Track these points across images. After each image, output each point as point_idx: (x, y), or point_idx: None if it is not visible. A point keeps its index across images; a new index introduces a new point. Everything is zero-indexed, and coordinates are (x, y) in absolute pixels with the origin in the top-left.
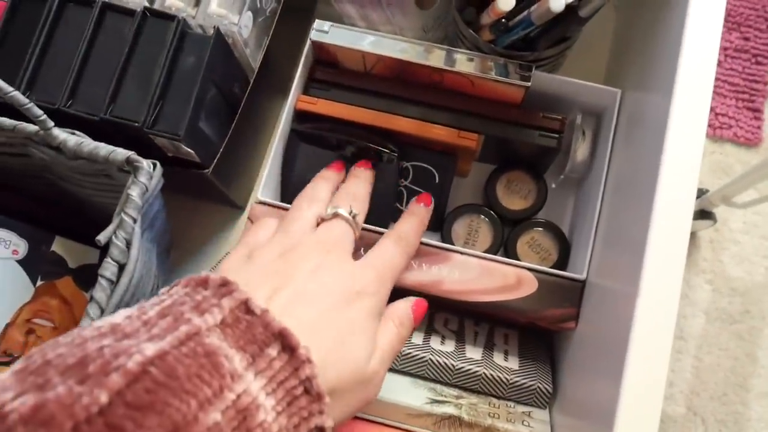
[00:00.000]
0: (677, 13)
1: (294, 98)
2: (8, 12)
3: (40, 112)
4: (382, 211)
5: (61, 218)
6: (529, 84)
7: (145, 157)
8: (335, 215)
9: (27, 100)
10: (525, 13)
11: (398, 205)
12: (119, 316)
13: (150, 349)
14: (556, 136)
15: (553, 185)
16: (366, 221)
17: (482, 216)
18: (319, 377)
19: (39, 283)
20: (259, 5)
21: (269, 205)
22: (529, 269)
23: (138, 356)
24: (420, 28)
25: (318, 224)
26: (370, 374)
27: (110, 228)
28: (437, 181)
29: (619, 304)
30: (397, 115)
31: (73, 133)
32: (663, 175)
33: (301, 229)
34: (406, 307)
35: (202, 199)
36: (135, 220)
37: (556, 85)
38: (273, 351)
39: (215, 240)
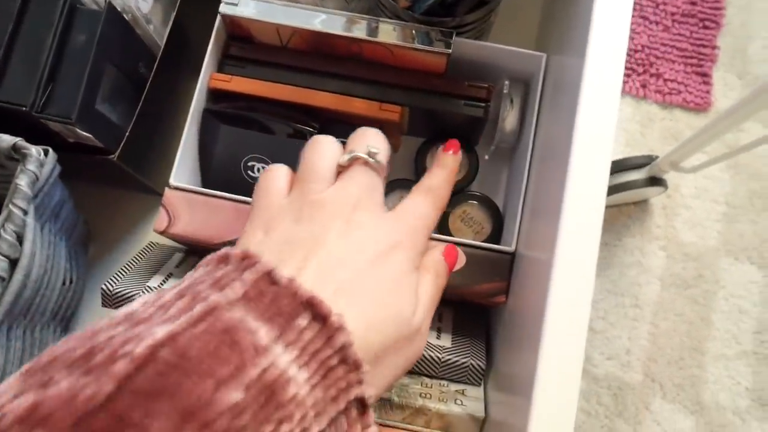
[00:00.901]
0: None
1: (206, 76)
2: None
3: None
4: None
5: None
6: (450, 51)
7: (43, 144)
8: (354, 159)
9: None
10: None
11: None
12: (136, 303)
13: (161, 331)
14: (483, 105)
15: (486, 157)
16: None
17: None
18: (357, 345)
19: None
20: None
21: (184, 190)
22: (457, 243)
23: (148, 340)
24: None
25: (337, 175)
26: (415, 329)
27: None
28: None
29: (538, 274)
30: (317, 90)
31: None
32: (577, 138)
33: (318, 184)
34: (439, 256)
35: (119, 188)
36: (25, 212)
37: (480, 52)
38: (303, 321)
39: (137, 229)
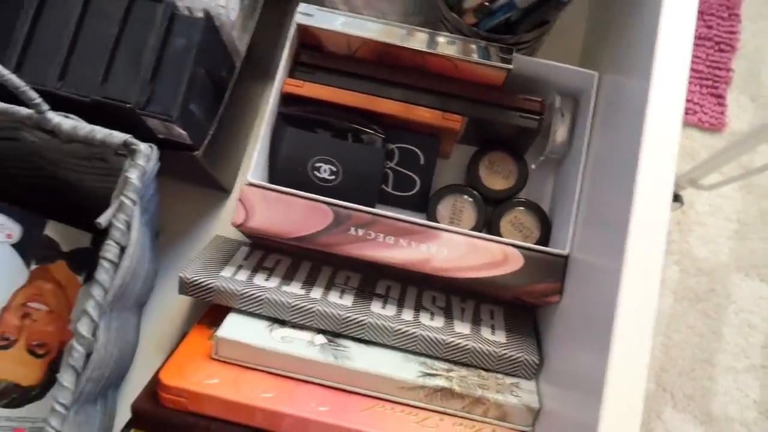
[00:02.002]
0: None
1: (280, 82)
2: None
3: (35, 95)
4: (368, 193)
5: (52, 202)
6: (511, 66)
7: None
8: None
9: (22, 83)
10: None
11: (384, 186)
12: None
13: None
14: (537, 117)
15: (533, 166)
16: (353, 201)
17: (466, 196)
18: None
19: (33, 266)
20: None
21: (259, 186)
22: (515, 246)
23: None
24: (402, 13)
25: None
26: None
27: (110, 210)
28: (422, 162)
29: (603, 279)
30: (382, 98)
31: (67, 117)
32: (643, 157)
33: None
34: None
35: (187, 182)
36: (135, 203)
37: (535, 68)
38: None
39: (202, 223)
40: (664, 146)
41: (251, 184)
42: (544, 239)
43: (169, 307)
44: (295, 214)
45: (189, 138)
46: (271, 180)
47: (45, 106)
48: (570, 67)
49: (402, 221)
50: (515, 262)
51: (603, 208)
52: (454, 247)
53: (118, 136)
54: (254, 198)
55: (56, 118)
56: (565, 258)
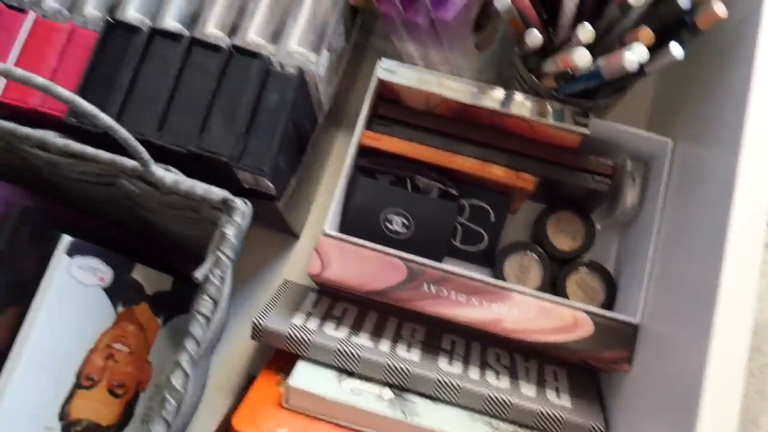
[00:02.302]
0: (741, 67)
1: (359, 134)
2: (99, 42)
3: (143, 150)
4: (438, 247)
5: (137, 244)
6: (588, 132)
7: (220, 186)
8: None
9: (130, 137)
10: (594, 66)
11: (452, 240)
12: None
13: None
14: (609, 181)
15: (599, 226)
16: (421, 254)
17: (533, 254)
18: None
19: (120, 309)
20: (331, 44)
21: (336, 238)
22: (585, 311)
23: None
24: (476, 69)
25: None
26: None
27: (206, 266)
28: (492, 219)
29: (683, 351)
30: (457, 154)
31: (169, 170)
32: (732, 230)
33: None
34: None
35: (258, 225)
36: (230, 259)
37: (608, 131)
38: None
39: (271, 267)
40: (753, 219)
41: (327, 235)
42: (610, 302)
43: (233, 348)
44: (369, 267)
45: (275, 190)
46: (342, 228)
47: (150, 160)
48: (644, 133)
49: (474, 280)
50: (585, 327)
51: (682, 277)
52: (525, 309)
53: (217, 193)
54: (330, 249)
55: (159, 171)
56: (636, 326)
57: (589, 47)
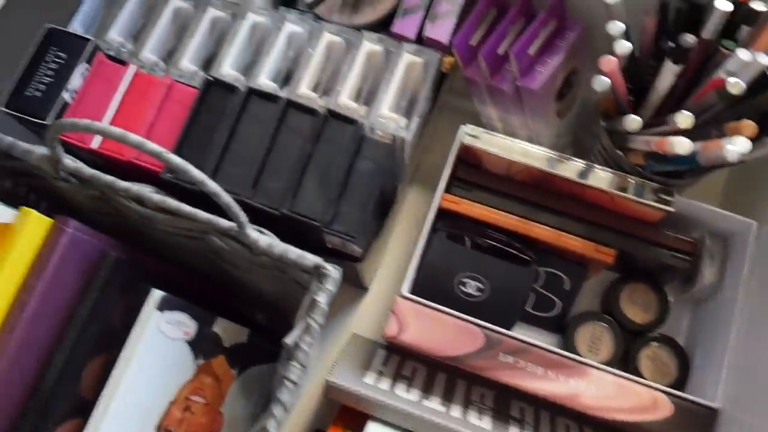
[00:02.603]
0: None
1: (439, 196)
2: (198, 99)
3: (241, 212)
4: (511, 313)
5: (219, 296)
6: (672, 209)
7: (303, 244)
8: None
9: (231, 200)
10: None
11: (524, 306)
12: None
13: None
14: (689, 258)
15: (671, 299)
16: (492, 322)
17: (605, 325)
18: None
19: (200, 361)
20: (420, 110)
21: (412, 300)
22: (664, 392)
23: None
24: (554, 134)
25: None
26: None
27: (296, 332)
28: (566, 287)
29: None
30: (536, 222)
31: (262, 232)
32: None
33: None
34: None
35: None
36: (320, 326)
37: (691, 209)
38: None
39: (340, 319)
40: None
41: (404, 297)
42: (682, 379)
43: (300, 401)
44: (445, 332)
45: (360, 253)
46: (415, 287)
47: (246, 222)
48: (727, 214)
49: (551, 352)
50: (664, 409)
51: None
52: (602, 386)
53: (310, 259)
54: (407, 311)
55: (254, 233)
56: (716, 411)
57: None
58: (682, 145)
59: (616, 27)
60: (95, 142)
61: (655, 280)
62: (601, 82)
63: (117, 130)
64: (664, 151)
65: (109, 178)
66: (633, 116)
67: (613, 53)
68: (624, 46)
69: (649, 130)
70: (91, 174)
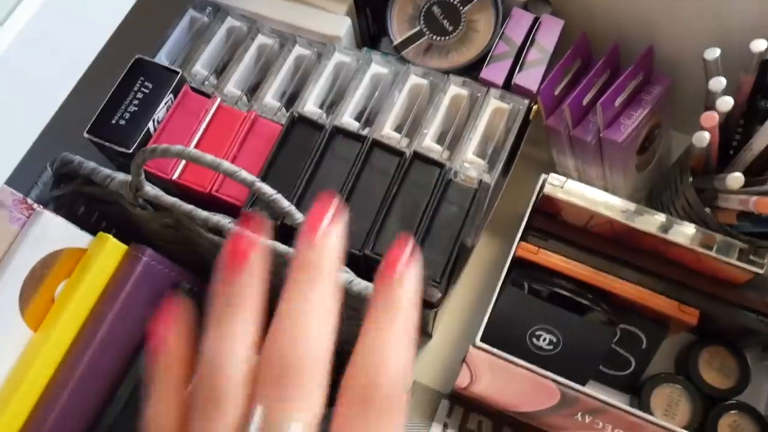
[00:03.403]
0: None
1: (516, 245)
2: (282, 135)
3: None
4: (586, 370)
5: None
6: (762, 271)
7: None
8: None
9: None
10: None
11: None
12: None
13: None
14: None
15: (751, 365)
16: (564, 374)
17: (683, 388)
18: None
19: None
20: (504, 156)
21: (487, 351)
22: None
23: None
24: (631, 187)
25: None
26: None
27: None
28: (643, 346)
29: None
30: (616, 277)
31: (345, 271)
32: None
33: None
34: None
35: None
36: None
37: None
38: None
39: None
40: None
41: (478, 347)
42: None
43: None
44: (519, 386)
45: (438, 298)
46: (485, 336)
47: None
48: None
49: (632, 414)
50: None
51: None
52: None
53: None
54: (480, 362)
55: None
56: None
57: None
58: None
59: (718, 83)
60: (176, 173)
61: (735, 344)
62: (701, 138)
63: (209, 157)
64: (761, 211)
65: (188, 206)
66: (736, 174)
67: (709, 108)
68: (726, 103)
69: (747, 189)
70: (171, 202)
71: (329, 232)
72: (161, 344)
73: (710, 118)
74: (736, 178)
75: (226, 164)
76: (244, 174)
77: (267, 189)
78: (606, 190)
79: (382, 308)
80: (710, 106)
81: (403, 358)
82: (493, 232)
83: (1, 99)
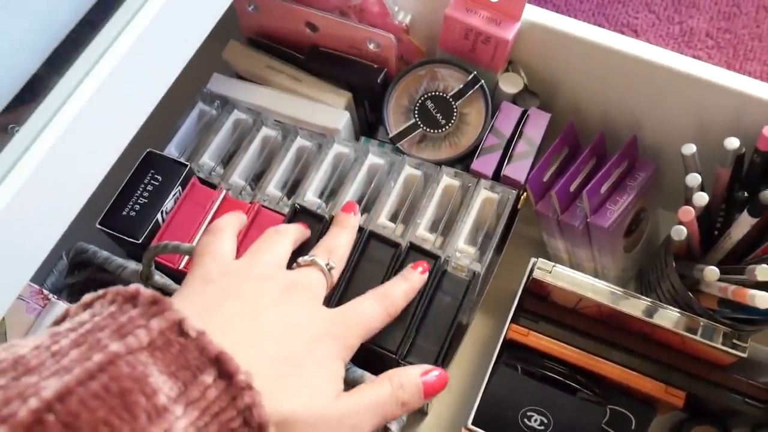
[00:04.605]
0: None
1: (506, 327)
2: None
3: None
4: None
5: None
6: (745, 355)
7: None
8: (312, 263)
9: None
10: None
11: None
12: (26, 346)
13: (50, 388)
14: (761, 405)
15: None
16: None
17: None
18: (266, 406)
19: None
20: (494, 244)
21: None
22: None
23: (34, 400)
24: (620, 268)
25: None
26: (336, 415)
27: None
28: (633, 427)
29: None
30: (604, 359)
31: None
32: None
33: (272, 262)
34: (414, 374)
35: None
36: None
37: (763, 355)
38: (208, 378)
39: None
40: None
41: (470, 430)
42: None
43: None
44: None
45: None
46: (477, 418)
47: None
48: None
49: None
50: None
51: None
52: None
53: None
54: None
55: None
56: None
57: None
58: (763, 301)
59: (694, 179)
60: (182, 263)
61: (724, 423)
62: (679, 232)
63: None
64: (742, 301)
65: None
66: (712, 268)
67: (688, 201)
68: (702, 198)
69: (726, 277)
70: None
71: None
72: None
73: (687, 213)
74: (711, 271)
75: None
76: None
77: None
78: (596, 270)
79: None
80: (689, 198)
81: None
82: (487, 309)
83: (36, 207)
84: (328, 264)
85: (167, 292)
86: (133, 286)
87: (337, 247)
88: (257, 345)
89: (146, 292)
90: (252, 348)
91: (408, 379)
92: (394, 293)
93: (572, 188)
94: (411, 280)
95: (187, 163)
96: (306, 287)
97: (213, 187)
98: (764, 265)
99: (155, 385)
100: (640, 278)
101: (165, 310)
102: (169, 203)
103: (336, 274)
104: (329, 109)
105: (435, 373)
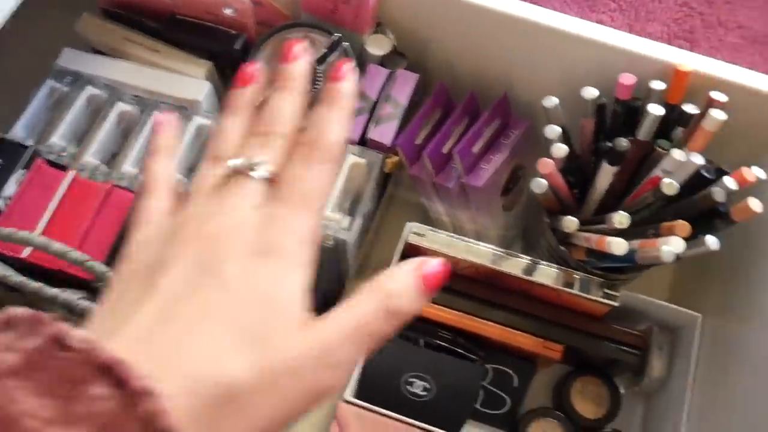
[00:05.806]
0: None
1: None
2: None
3: None
4: (461, 411)
5: None
6: (617, 304)
7: None
8: (236, 171)
9: None
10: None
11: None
12: None
13: None
14: (637, 352)
15: (622, 391)
16: (437, 425)
17: (556, 421)
18: (174, 409)
19: None
20: (365, 210)
21: (356, 405)
22: None
23: None
24: (502, 227)
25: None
26: (303, 357)
27: None
28: (515, 384)
29: None
30: (483, 320)
31: None
32: None
33: (196, 196)
34: (405, 271)
35: None
36: None
37: (637, 303)
38: (98, 389)
39: None
40: None
41: (347, 402)
42: None
43: None
44: None
45: None
46: (360, 389)
47: None
48: (673, 307)
49: None
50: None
51: None
52: None
53: None
54: (350, 417)
55: None
56: None
57: (623, 231)
58: (618, 246)
59: (553, 131)
60: (26, 252)
61: (606, 374)
62: (539, 185)
63: (40, 240)
64: (603, 250)
65: (35, 284)
66: (570, 218)
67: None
68: (560, 150)
69: (588, 227)
70: (18, 281)
71: (300, 56)
72: None
73: (546, 165)
74: (570, 221)
75: (55, 245)
76: (75, 254)
77: (100, 268)
78: (477, 232)
79: (329, 98)
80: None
81: (342, 132)
82: (369, 277)
83: None
84: (252, 164)
85: (7, 284)
86: (9, 311)
87: (280, 120)
88: (164, 337)
89: (21, 312)
90: (158, 342)
91: (397, 283)
92: (329, 140)
93: (445, 150)
94: (340, 101)
95: (29, 144)
96: (224, 232)
97: (63, 168)
98: (621, 212)
99: (22, 411)
100: (524, 237)
101: (42, 326)
102: (10, 188)
103: (273, 166)
104: (189, 80)
105: (433, 262)
